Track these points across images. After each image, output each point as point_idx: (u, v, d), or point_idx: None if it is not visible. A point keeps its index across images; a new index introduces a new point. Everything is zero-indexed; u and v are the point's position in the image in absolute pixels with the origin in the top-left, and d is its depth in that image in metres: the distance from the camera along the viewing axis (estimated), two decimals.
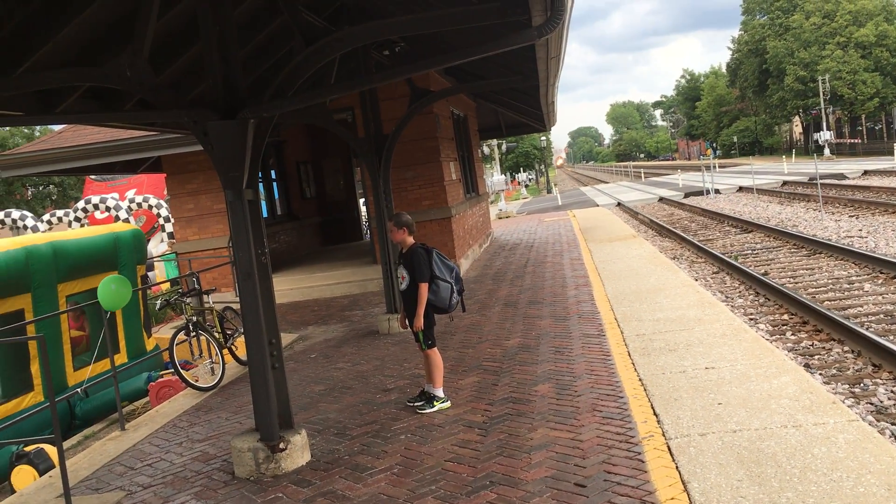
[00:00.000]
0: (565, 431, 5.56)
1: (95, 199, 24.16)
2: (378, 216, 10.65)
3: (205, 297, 9.76)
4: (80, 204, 24.59)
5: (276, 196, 18.44)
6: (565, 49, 8.75)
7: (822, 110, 71.99)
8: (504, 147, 65.02)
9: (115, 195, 25.38)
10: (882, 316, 9.84)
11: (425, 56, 11.65)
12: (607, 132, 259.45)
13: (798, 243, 16.90)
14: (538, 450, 5.29)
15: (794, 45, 75.07)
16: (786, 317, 10.60)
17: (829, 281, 12.53)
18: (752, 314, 11.03)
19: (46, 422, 9.47)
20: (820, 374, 8.00)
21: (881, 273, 12.35)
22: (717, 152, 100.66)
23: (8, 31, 5.56)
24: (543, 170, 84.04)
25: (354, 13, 10.05)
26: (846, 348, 8.75)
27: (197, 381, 8.96)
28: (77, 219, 23.89)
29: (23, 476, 8.34)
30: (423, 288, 6.51)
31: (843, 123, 78.99)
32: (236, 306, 9.67)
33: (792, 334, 9.71)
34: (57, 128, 21.30)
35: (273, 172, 18.22)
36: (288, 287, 14.66)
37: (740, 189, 37.47)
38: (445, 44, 11.75)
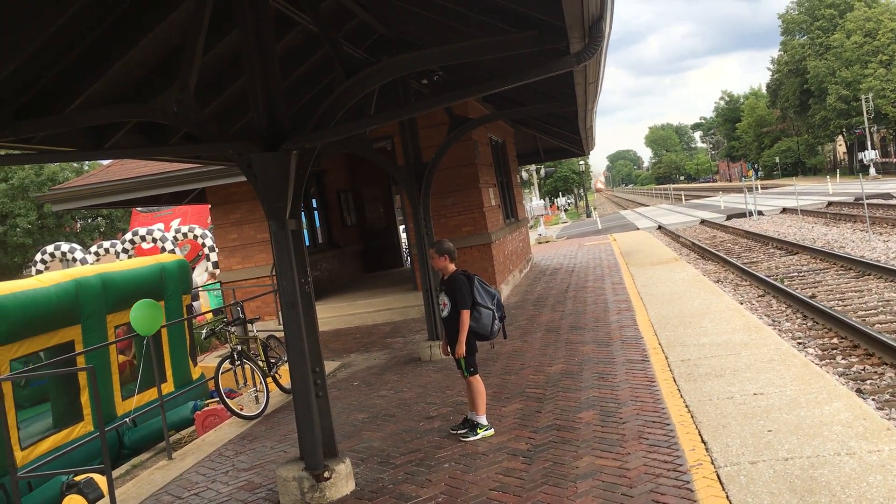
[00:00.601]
0: (611, 459, 5.49)
1: (142, 231, 24.66)
2: (419, 243, 10.70)
3: (249, 325, 9.87)
4: (128, 235, 25.11)
5: (318, 224, 18.64)
6: (603, 74, 8.75)
7: (867, 129, 70.81)
8: (543, 172, 65.04)
9: (161, 226, 25.89)
10: None
11: (464, 84, 11.74)
12: (646, 155, 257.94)
13: (846, 265, 16.55)
14: (584, 478, 5.22)
15: (835, 65, 74.14)
16: (835, 340, 10.37)
17: (880, 303, 12.24)
18: (800, 338, 10.81)
19: (96, 451, 9.62)
20: (873, 399, 7.79)
21: None
22: (759, 173, 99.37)
23: (60, 70, 5.74)
24: (582, 194, 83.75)
25: (393, 44, 10.19)
26: None
27: (242, 409, 9.04)
28: (125, 250, 24.38)
29: None
30: (465, 315, 6.51)
31: (888, 142, 77.52)
32: (280, 335, 9.76)
33: (842, 358, 9.49)
34: (105, 162, 21.85)
35: (314, 201, 18.45)
36: (330, 315, 14.75)
37: (784, 210, 36.90)
38: (483, 71, 11.83)
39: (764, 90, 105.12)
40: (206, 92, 7.21)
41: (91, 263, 23.34)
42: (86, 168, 45.11)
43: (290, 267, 5.79)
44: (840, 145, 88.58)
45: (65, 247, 25.40)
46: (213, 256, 23.24)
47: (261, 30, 5.84)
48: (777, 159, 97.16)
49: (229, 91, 7.61)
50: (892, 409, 7.42)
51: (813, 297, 13.42)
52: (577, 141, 20.01)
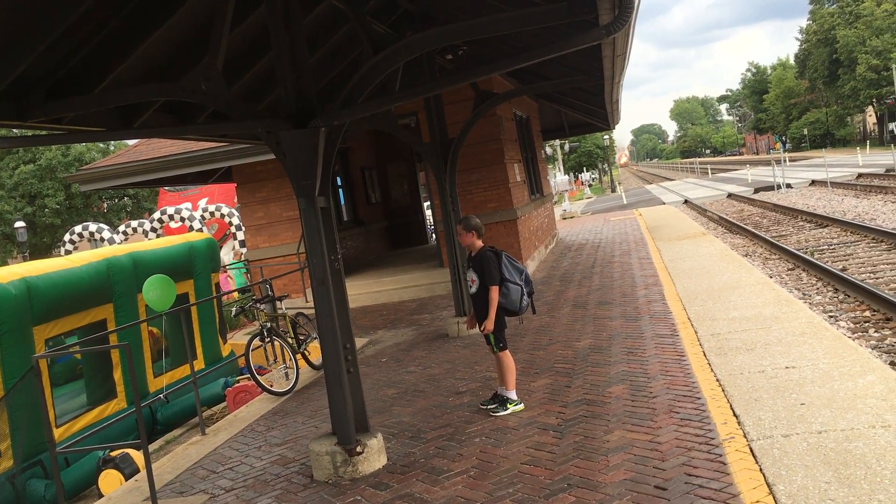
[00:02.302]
0: (642, 433, 5.49)
1: (171, 210, 24.88)
2: (445, 219, 10.69)
3: (277, 303, 9.94)
4: (156, 215, 25.35)
5: (343, 202, 18.69)
6: (631, 46, 8.65)
7: None
8: (567, 147, 64.58)
9: (188, 205, 26.11)
10: None
11: (489, 58, 11.66)
12: (671, 129, 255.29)
13: (877, 237, 16.32)
14: (615, 452, 5.23)
15: (865, 34, 72.58)
16: (867, 313, 10.25)
17: None
18: (831, 311, 10.70)
19: (130, 428, 9.79)
20: None
21: None
22: (787, 145, 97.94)
23: (89, 50, 5.77)
24: (607, 168, 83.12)
25: (417, 19, 10.12)
26: None
27: (272, 385, 9.14)
28: (153, 229, 24.63)
29: (110, 480, 8.63)
30: (494, 291, 6.51)
31: None
32: (308, 312, 9.83)
33: (875, 331, 9.39)
34: (131, 142, 22.02)
35: (339, 179, 18.48)
36: (357, 292, 14.82)
37: (813, 183, 36.41)
38: (509, 45, 11.73)
39: (792, 61, 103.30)
40: (234, 70, 7.21)
41: (119, 243, 23.62)
42: (112, 148, 45.46)
43: (320, 244, 5.81)
44: (870, 116, 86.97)
45: (93, 227, 25.72)
46: (240, 235, 23.41)
47: (288, 5, 5.83)
48: (805, 131, 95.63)
49: (257, 69, 7.61)
50: None
51: (844, 269, 13.26)
52: (602, 115, 19.84)
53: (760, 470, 4.56)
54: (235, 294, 17.60)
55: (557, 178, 57.87)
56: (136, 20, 5.80)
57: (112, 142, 43.50)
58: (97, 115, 6.61)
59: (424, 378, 8.43)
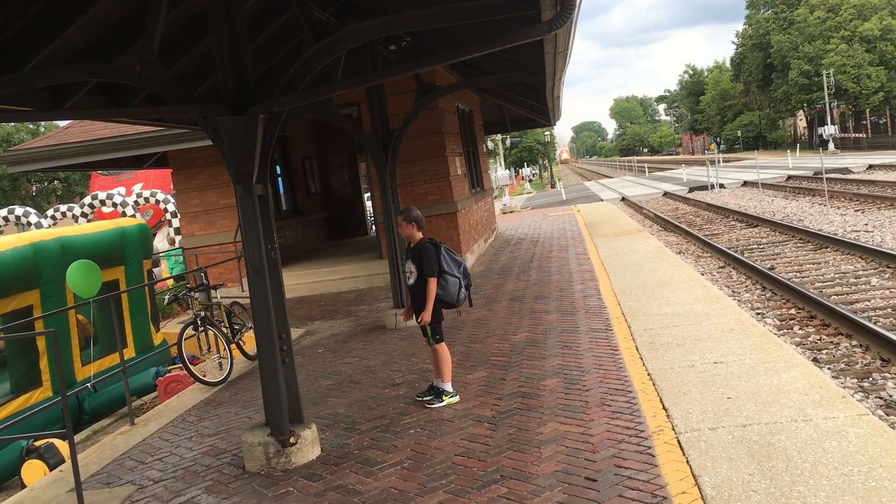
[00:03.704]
0: (575, 426, 5.57)
1: (102, 195, 24.18)
2: (385, 211, 10.65)
3: (212, 291, 9.78)
4: (87, 199, 24.62)
5: (282, 191, 18.45)
6: (573, 43, 8.75)
7: (827, 104, 71.78)
8: (508, 142, 65.03)
9: (122, 189, 25.42)
10: (890, 310, 9.82)
11: (432, 51, 11.65)
12: (610, 127, 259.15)
13: (804, 238, 16.87)
14: (548, 444, 5.30)
15: (798, 40, 74.83)
16: (793, 311, 10.59)
17: (837, 275, 12.51)
18: (759, 308, 11.03)
19: (55, 417, 9.52)
20: (829, 368, 8.00)
21: (888, 267, 12.33)
22: (721, 147, 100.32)
23: (18, 27, 5.56)
24: (547, 164, 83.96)
25: (361, 8, 10.04)
26: (854, 343, 8.74)
27: (205, 375, 8.99)
28: (84, 214, 23.92)
29: (33, 470, 8.38)
30: (432, 283, 6.52)
31: (847, 118, 78.71)
32: (244, 301, 9.69)
33: (800, 329, 9.71)
34: (62, 123, 21.35)
35: (278, 168, 18.24)
36: (294, 282, 14.66)
37: (745, 183, 37.41)
38: (452, 38, 11.74)
39: (728, 64, 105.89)
40: (171, 52, 7.03)
41: (47, 227, 22.88)
42: (42, 130, 44.02)
43: (257, 233, 5.74)
44: (801, 120, 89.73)
45: (19, 210, 24.84)
46: (176, 222, 22.92)
47: None
48: (739, 133, 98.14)
49: (195, 52, 7.44)
50: (847, 378, 7.63)
51: (772, 268, 13.68)
52: (543, 111, 20.03)
53: (687, 462, 4.67)
54: (170, 282, 17.27)
55: (498, 172, 58.21)
56: None
57: (42, 123, 42.12)
58: (26, 95, 6.38)
59: (361, 369, 8.40)
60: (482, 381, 7.13)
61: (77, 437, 9.02)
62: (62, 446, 8.55)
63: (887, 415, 6.65)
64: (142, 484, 5.88)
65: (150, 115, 9.06)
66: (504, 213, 33.56)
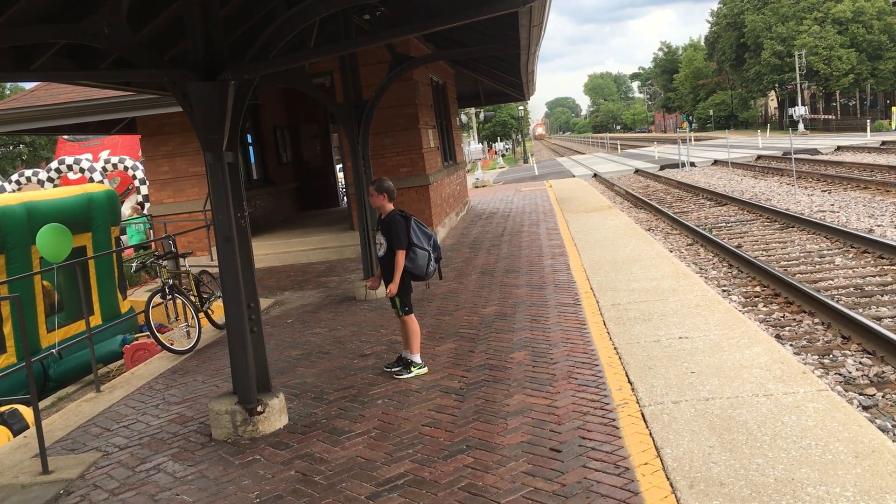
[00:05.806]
0: (541, 398, 5.63)
1: (69, 160, 23.78)
2: (357, 182, 10.61)
3: (181, 260, 9.70)
4: (54, 164, 24.20)
5: (253, 161, 18.28)
6: (548, 17, 8.73)
7: (798, 85, 72.45)
8: (482, 116, 64.83)
9: (89, 156, 25.01)
10: (852, 289, 10.02)
11: (406, 21, 11.54)
12: (584, 103, 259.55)
13: (771, 217, 17.09)
14: (514, 416, 5.36)
15: (771, 20, 75.31)
16: (758, 289, 10.75)
17: (801, 254, 12.71)
18: (725, 286, 11.18)
19: (20, 383, 9.43)
20: (791, 345, 8.15)
21: (852, 247, 12.55)
22: (693, 125, 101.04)
23: None
24: (520, 139, 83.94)
25: None
26: (816, 320, 8.91)
27: (172, 344, 8.94)
28: (50, 179, 23.53)
29: None
30: (400, 255, 6.52)
31: (817, 99, 79.58)
32: (213, 270, 9.64)
33: (764, 306, 9.87)
34: (28, 86, 20.89)
35: (249, 137, 18.05)
36: (264, 252, 14.59)
37: (715, 162, 37.72)
38: (426, 9, 11.64)
39: (702, 42, 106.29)
40: (140, 15, 6.89)
41: (11, 192, 22.47)
42: (7, 92, 43.06)
43: (227, 200, 5.69)
44: (772, 100, 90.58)
45: None
46: (144, 189, 22.63)
47: None
48: (711, 112, 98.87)
49: (165, 16, 7.29)
50: (808, 354, 7.78)
51: (739, 246, 13.85)
52: (517, 85, 20.00)
53: (650, 434, 4.76)
54: (131, 252, 17.06)
55: (471, 146, 58.06)
56: None
57: (7, 84, 41.19)
58: None
59: (330, 340, 8.40)
60: (451, 352, 7.17)
61: (42, 404, 8.94)
62: (26, 412, 8.47)
63: (846, 391, 6.80)
64: (107, 451, 5.86)
65: (119, 79, 8.90)
66: (476, 187, 33.56)
